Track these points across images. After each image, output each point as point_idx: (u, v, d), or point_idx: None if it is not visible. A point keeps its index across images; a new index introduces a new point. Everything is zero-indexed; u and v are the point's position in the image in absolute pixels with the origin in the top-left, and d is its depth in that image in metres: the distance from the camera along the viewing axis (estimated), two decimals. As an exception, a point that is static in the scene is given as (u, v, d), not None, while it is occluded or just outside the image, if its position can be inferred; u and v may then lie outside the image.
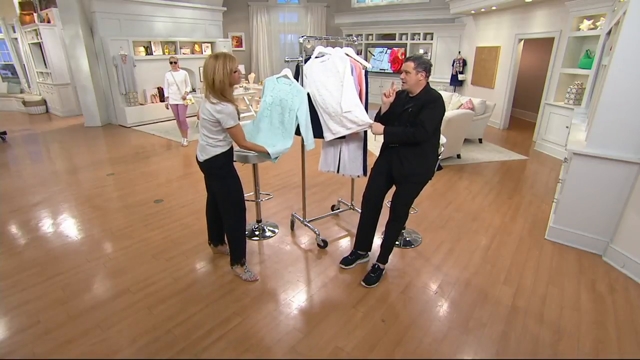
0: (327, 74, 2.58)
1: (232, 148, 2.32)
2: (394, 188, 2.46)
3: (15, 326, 2.06)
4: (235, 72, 2.11)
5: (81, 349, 1.91)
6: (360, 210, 2.59)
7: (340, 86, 2.52)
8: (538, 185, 4.31)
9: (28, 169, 4.82)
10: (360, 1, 10.57)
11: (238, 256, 2.48)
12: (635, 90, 2.47)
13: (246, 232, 2.53)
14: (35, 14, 8.19)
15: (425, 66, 2.20)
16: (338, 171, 2.96)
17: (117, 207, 3.64)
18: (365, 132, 2.78)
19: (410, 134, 2.21)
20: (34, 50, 8.60)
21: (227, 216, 2.40)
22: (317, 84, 2.60)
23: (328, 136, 2.65)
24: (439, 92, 2.30)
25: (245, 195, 2.44)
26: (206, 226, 2.71)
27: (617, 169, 2.64)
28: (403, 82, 2.25)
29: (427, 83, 2.27)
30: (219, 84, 2.07)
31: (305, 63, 2.65)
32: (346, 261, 2.65)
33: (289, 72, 2.58)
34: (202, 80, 2.15)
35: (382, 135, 2.33)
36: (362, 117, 2.50)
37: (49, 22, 7.97)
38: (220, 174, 2.31)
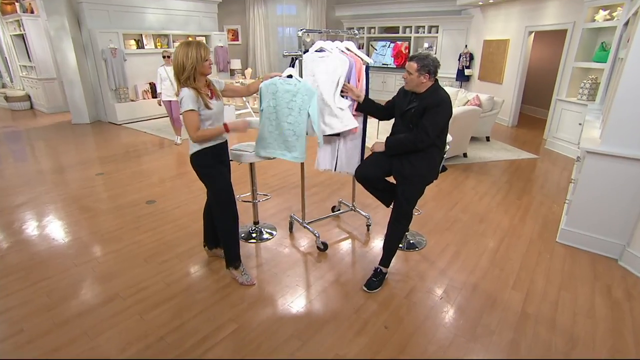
0: (321, 70, 2.53)
1: (212, 147, 2.24)
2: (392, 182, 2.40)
3: (-2, 334, 2.01)
4: (206, 60, 2.09)
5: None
6: (361, 211, 2.52)
7: (335, 86, 2.50)
8: (549, 186, 4.21)
9: (11, 168, 4.71)
10: (362, -7, 10.44)
11: (231, 258, 2.44)
12: (655, 84, 2.36)
13: (239, 234, 2.47)
14: (17, 4, 7.91)
15: (429, 68, 2.11)
16: (335, 169, 2.89)
17: (106, 208, 3.57)
18: (364, 128, 2.75)
19: (411, 143, 2.16)
20: (16, 42, 8.39)
21: (215, 217, 2.38)
22: (313, 80, 2.56)
23: (326, 130, 2.62)
24: (445, 89, 2.22)
25: (242, 195, 2.38)
26: (201, 228, 2.66)
27: (634, 168, 2.55)
28: (405, 82, 2.19)
29: (436, 80, 2.18)
30: (188, 72, 2.04)
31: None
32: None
33: (293, 71, 2.50)
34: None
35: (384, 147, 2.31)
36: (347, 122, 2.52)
37: (32, 12, 7.75)
38: (200, 172, 2.30)
